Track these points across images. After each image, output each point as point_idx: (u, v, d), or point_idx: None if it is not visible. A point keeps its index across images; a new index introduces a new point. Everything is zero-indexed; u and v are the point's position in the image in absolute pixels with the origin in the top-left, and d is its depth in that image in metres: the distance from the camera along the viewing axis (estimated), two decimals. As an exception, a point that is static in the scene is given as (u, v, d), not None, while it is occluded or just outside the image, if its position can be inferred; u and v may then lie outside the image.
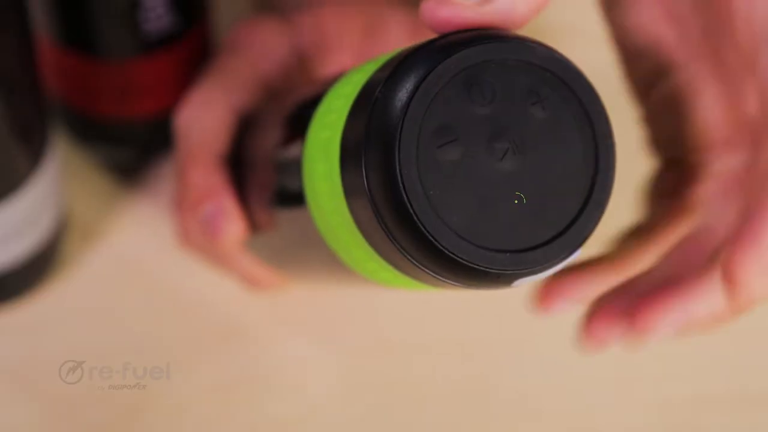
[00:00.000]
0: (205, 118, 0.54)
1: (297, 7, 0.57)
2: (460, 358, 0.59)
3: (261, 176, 0.52)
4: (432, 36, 0.38)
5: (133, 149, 0.62)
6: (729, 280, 0.42)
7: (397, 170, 0.35)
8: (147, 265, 0.60)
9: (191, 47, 0.58)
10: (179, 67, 0.58)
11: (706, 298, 0.43)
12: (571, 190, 0.37)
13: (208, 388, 0.57)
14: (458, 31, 0.37)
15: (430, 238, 0.36)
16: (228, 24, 0.63)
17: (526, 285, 0.38)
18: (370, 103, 0.36)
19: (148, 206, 0.62)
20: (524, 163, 0.37)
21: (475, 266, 0.36)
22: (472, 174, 0.36)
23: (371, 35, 0.56)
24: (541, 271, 0.37)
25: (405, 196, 0.35)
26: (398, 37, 0.56)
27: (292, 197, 0.44)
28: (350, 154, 0.37)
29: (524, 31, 0.38)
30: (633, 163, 0.48)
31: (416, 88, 0.36)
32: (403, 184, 0.35)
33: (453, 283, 0.37)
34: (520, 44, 0.37)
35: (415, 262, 0.37)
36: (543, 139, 0.37)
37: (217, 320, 0.59)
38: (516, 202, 0.37)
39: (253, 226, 0.54)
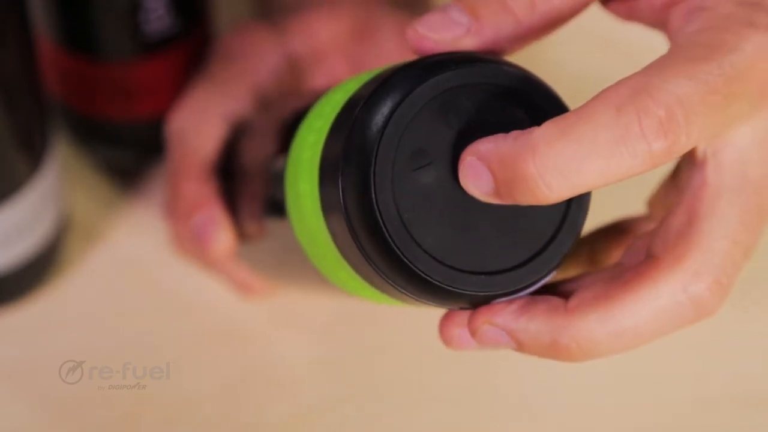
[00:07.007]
0: (198, 126, 0.55)
1: (289, 12, 0.57)
2: (459, 358, 0.59)
3: (252, 186, 0.53)
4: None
5: (134, 151, 0.62)
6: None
7: (373, 193, 0.36)
8: (147, 265, 0.60)
9: (192, 49, 0.58)
10: (180, 69, 0.58)
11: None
12: (545, 211, 0.37)
13: (208, 388, 0.58)
14: (438, 54, 0.38)
15: (405, 259, 0.36)
16: (228, 25, 0.63)
17: None
18: (348, 125, 0.37)
19: (148, 207, 0.62)
20: None
21: (449, 288, 0.37)
22: (447, 197, 0.36)
23: (363, 40, 0.56)
24: (515, 292, 0.37)
25: (380, 218, 0.36)
26: (390, 41, 0.56)
27: (284, 207, 0.44)
28: (329, 174, 0.37)
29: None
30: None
31: (392, 112, 0.36)
32: (378, 206, 0.36)
33: (429, 303, 0.38)
34: (495, 68, 0.37)
35: (390, 282, 0.37)
36: None
37: (217, 320, 0.59)
38: (490, 224, 0.37)
39: (244, 235, 0.54)
